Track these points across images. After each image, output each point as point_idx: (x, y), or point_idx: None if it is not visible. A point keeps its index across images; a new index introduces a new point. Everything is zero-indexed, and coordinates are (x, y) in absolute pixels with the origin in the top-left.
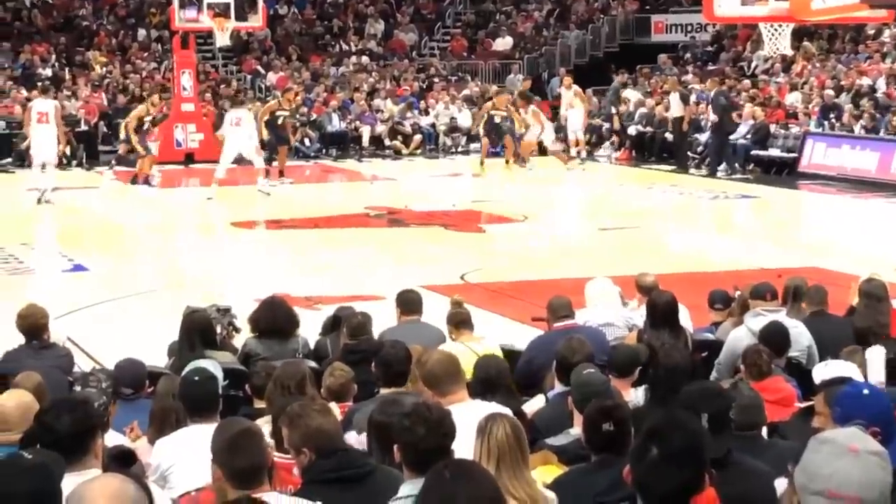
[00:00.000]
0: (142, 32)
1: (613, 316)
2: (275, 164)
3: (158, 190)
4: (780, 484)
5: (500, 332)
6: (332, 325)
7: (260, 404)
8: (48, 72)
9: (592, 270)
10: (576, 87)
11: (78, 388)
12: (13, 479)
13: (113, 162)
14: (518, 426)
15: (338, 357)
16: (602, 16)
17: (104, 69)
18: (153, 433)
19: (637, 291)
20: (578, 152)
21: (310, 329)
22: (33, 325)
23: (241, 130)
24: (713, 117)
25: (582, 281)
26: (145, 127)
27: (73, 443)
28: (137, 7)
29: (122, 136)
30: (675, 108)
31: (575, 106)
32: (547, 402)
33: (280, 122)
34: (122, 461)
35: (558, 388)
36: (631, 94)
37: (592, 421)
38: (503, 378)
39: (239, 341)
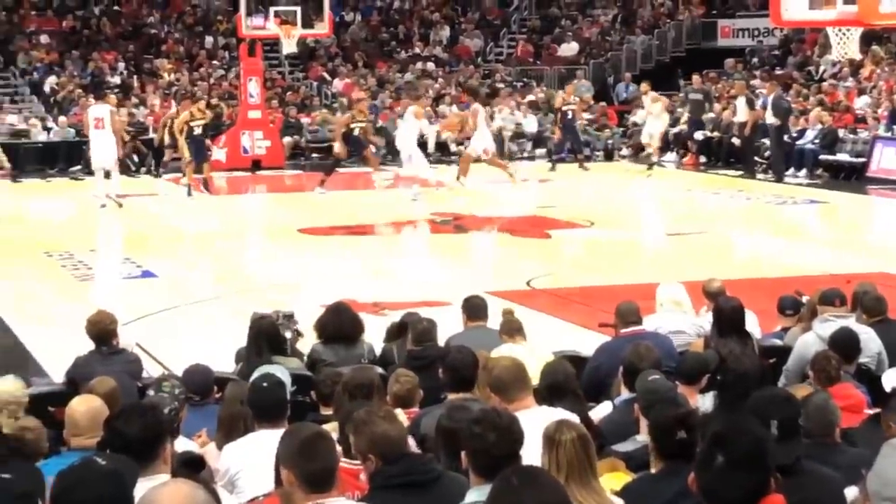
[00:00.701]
0: (209, 40)
1: (684, 323)
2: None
3: (207, 196)
4: (851, 492)
5: (567, 338)
6: (398, 332)
7: (326, 410)
8: (116, 80)
9: (660, 276)
10: (662, 99)
11: (150, 394)
12: (87, 483)
13: (161, 170)
14: (586, 434)
15: (403, 363)
16: (668, 20)
17: (172, 77)
18: (221, 438)
19: (704, 297)
20: (648, 155)
21: (376, 335)
22: (102, 330)
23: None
24: (772, 121)
25: (649, 286)
26: (195, 132)
27: (143, 448)
28: (205, 15)
29: (167, 140)
30: (742, 113)
31: (660, 118)
32: (614, 409)
33: (356, 132)
34: (191, 466)
35: (625, 394)
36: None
37: (666, 428)
38: (570, 384)
39: (304, 346)
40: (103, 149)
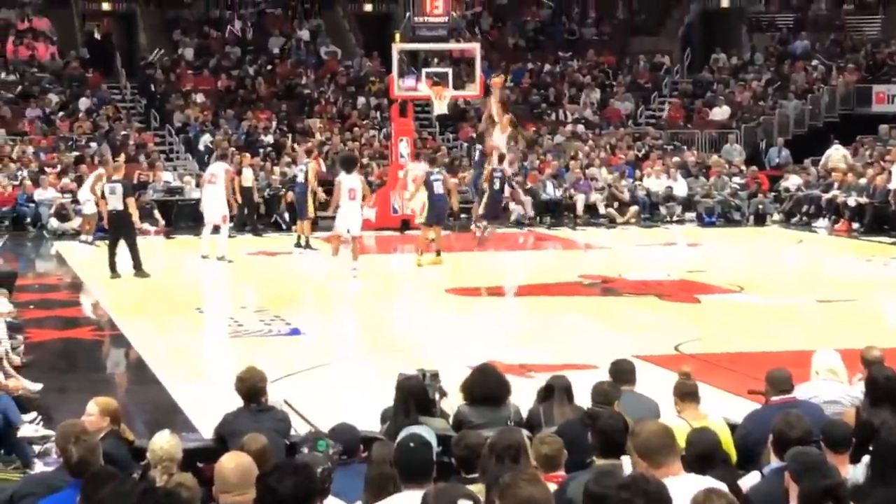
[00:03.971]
0: (361, 100)
1: (839, 393)
2: None
3: (314, 253)
4: None
5: (716, 405)
6: (546, 394)
7: (468, 474)
8: (269, 139)
9: (810, 343)
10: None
11: (304, 451)
12: None
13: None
14: (734, 502)
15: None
16: (822, 86)
17: (323, 136)
18: (369, 498)
19: (861, 365)
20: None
21: (522, 397)
22: (252, 387)
23: None
24: None
25: (799, 354)
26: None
27: None
28: (357, 76)
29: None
30: None
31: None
32: (763, 478)
33: None
34: None
35: (775, 463)
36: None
37: (815, 499)
38: (718, 452)
39: (447, 406)
40: (210, 203)
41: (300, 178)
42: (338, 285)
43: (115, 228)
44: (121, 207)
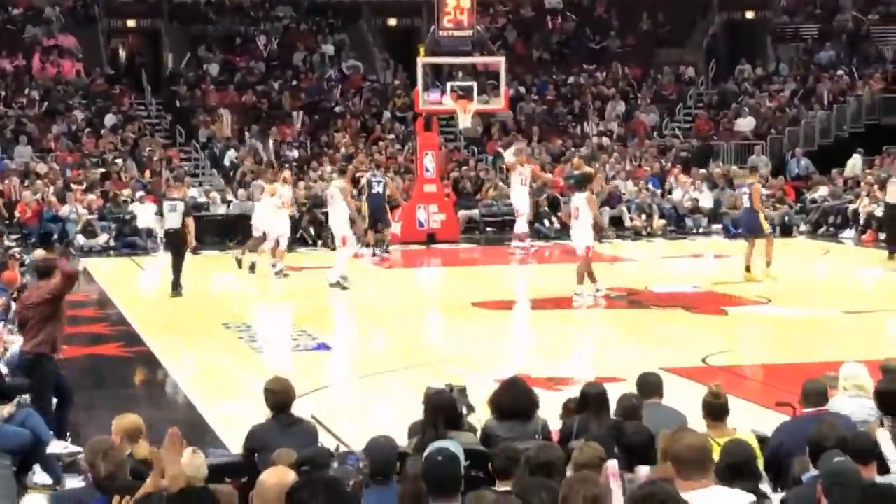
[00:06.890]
0: (386, 115)
1: (867, 411)
2: None
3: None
4: None
5: (743, 417)
6: (581, 405)
7: (502, 486)
8: (295, 153)
9: (837, 354)
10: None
11: (335, 465)
12: None
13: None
14: None
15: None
16: (848, 95)
17: (349, 150)
18: None
19: (882, 375)
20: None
21: (550, 410)
22: (282, 398)
23: None
24: None
25: (827, 365)
26: None
27: None
28: (382, 90)
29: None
30: None
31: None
32: (801, 485)
33: None
34: None
35: (813, 472)
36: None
37: None
38: (751, 463)
39: (474, 420)
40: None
41: (376, 189)
42: (367, 300)
43: (171, 246)
44: (179, 226)
